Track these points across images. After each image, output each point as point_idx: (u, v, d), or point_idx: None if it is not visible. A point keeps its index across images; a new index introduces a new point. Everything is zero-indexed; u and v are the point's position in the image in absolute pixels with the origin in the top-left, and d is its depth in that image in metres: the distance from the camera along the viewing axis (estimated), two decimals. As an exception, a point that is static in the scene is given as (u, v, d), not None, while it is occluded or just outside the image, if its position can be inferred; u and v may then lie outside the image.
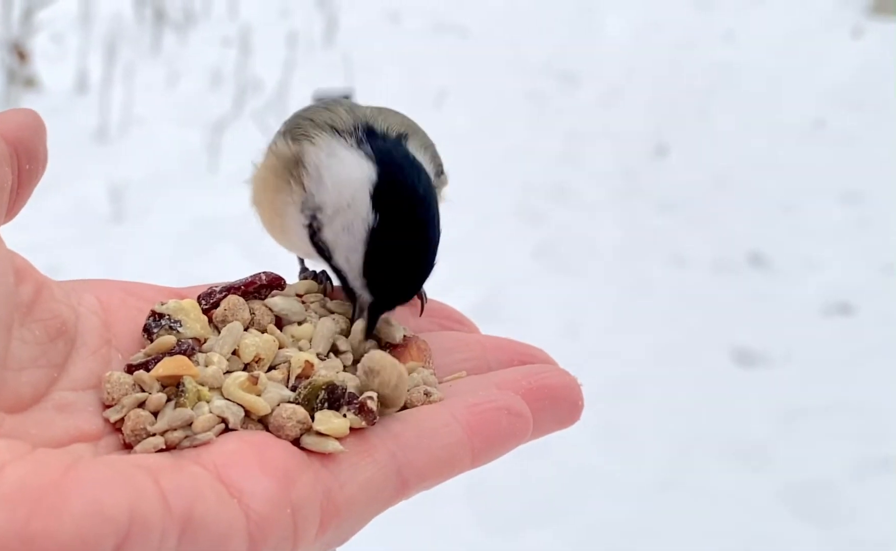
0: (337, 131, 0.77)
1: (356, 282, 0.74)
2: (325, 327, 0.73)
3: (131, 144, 4.19)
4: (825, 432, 2.84)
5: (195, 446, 0.60)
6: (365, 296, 0.74)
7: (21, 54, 4.51)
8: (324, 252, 0.77)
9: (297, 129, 0.80)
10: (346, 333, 0.74)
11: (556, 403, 0.69)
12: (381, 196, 0.73)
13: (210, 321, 0.70)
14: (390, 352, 0.72)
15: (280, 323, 0.73)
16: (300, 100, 4.37)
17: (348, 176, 0.74)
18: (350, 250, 0.74)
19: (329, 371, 0.68)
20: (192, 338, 0.67)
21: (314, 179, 0.76)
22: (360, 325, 0.73)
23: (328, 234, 0.75)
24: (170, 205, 3.76)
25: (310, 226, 0.76)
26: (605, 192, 4.26)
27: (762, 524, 2.52)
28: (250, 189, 0.84)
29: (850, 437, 2.81)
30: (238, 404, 0.62)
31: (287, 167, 0.79)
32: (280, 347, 0.70)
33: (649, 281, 3.61)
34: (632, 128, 4.86)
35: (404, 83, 5.06)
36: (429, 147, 0.83)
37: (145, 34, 5.24)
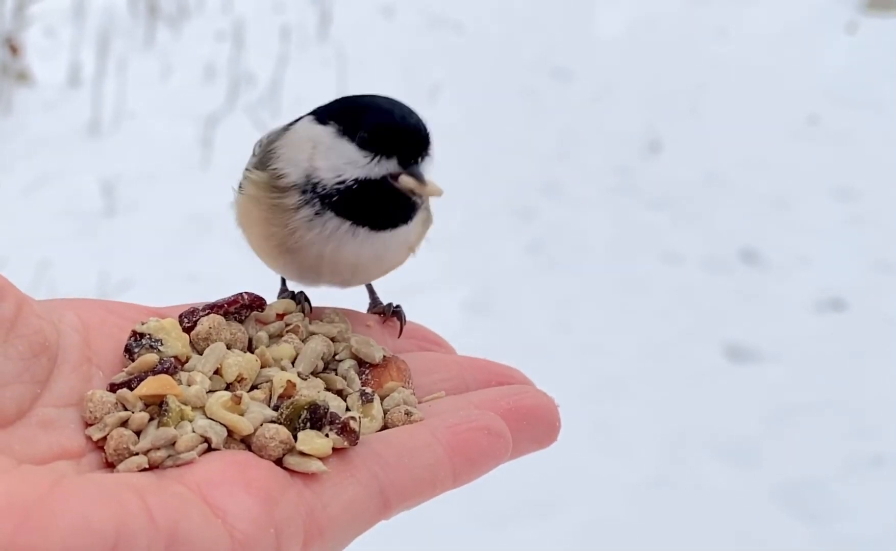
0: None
1: (374, 168, 0.78)
2: (310, 348, 0.73)
3: (124, 138, 4.17)
4: (817, 429, 2.84)
5: (178, 465, 0.60)
6: (391, 166, 0.78)
7: (13, 48, 4.49)
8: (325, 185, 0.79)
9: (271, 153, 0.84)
10: (330, 354, 0.75)
11: (534, 424, 0.69)
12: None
13: (190, 340, 0.70)
14: (370, 372, 0.72)
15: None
16: (293, 94, 4.38)
17: (316, 131, 0.81)
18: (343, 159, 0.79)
19: (311, 391, 0.68)
20: (173, 357, 0.67)
21: (293, 152, 0.81)
22: (410, 182, 0.77)
23: (323, 164, 0.79)
24: (162, 199, 3.75)
25: (313, 186, 0.79)
26: (597, 189, 4.25)
27: (753, 520, 2.52)
28: (234, 211, 0.86)
29: (842, 434, 2.81)
30: (221, 424, 0.62)
31: (264, 191, 0.82)
32: (262, 366, 0.70)
33: (641, 277, 3.60)
34: (624, 124, 4.86)
35: (398, 78, 5.05)
36: None
37: (138, 28, 5.23)
